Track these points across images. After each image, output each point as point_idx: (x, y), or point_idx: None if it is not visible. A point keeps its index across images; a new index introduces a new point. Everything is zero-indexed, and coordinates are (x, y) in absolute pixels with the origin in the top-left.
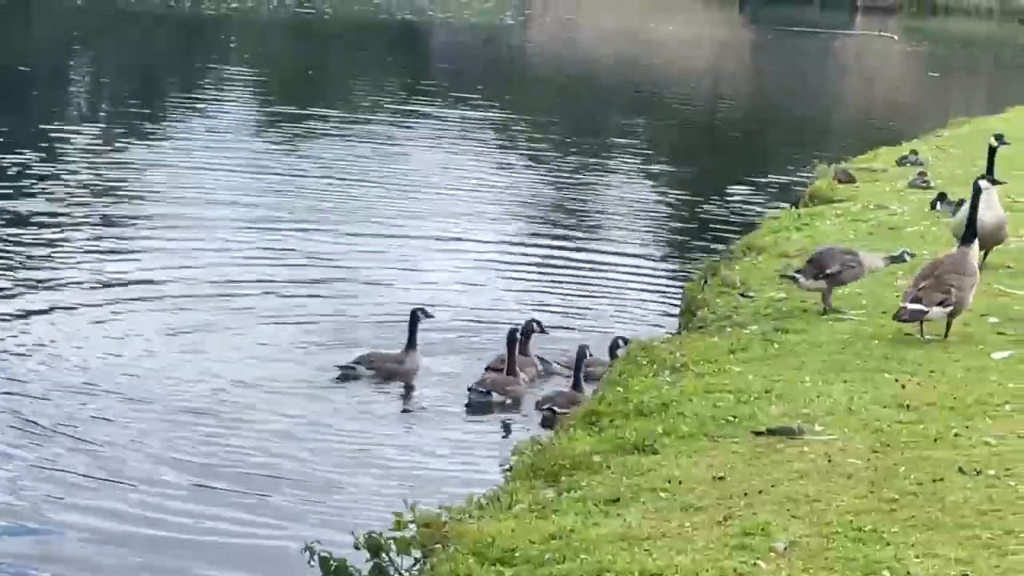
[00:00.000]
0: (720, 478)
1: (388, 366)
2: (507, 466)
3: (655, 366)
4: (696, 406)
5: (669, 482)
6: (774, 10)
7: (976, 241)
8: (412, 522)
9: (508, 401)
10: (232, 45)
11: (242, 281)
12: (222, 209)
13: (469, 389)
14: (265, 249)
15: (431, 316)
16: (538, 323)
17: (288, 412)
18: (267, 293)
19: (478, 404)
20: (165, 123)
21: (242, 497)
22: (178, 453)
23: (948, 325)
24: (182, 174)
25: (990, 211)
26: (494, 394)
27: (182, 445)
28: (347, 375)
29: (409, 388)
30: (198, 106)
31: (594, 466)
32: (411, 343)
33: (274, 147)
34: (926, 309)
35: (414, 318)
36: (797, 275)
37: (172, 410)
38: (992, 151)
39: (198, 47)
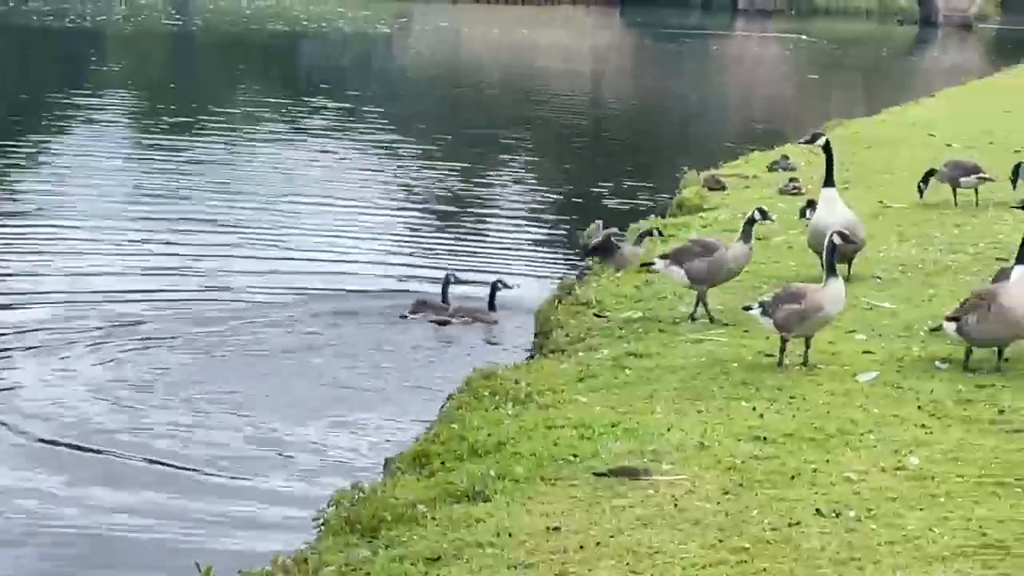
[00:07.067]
0: (555, 528)
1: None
2: (321, 520)
3: (497, 397)
4: (534, 444)
5: (498, 535)
6: (655, 14)
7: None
8: None
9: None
10: (93, 58)
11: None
12: (98, 220)
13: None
14: (151, 266)
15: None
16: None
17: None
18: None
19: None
20: (32, 140)
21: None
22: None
23: None
24: (56, 187)
25: (833, 215)
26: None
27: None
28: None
29: None
30: (68, 122)
31: (417, 518)
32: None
33: (155, 161)
34: None
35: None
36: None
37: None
38: (827, 150)
39: (63, 61)
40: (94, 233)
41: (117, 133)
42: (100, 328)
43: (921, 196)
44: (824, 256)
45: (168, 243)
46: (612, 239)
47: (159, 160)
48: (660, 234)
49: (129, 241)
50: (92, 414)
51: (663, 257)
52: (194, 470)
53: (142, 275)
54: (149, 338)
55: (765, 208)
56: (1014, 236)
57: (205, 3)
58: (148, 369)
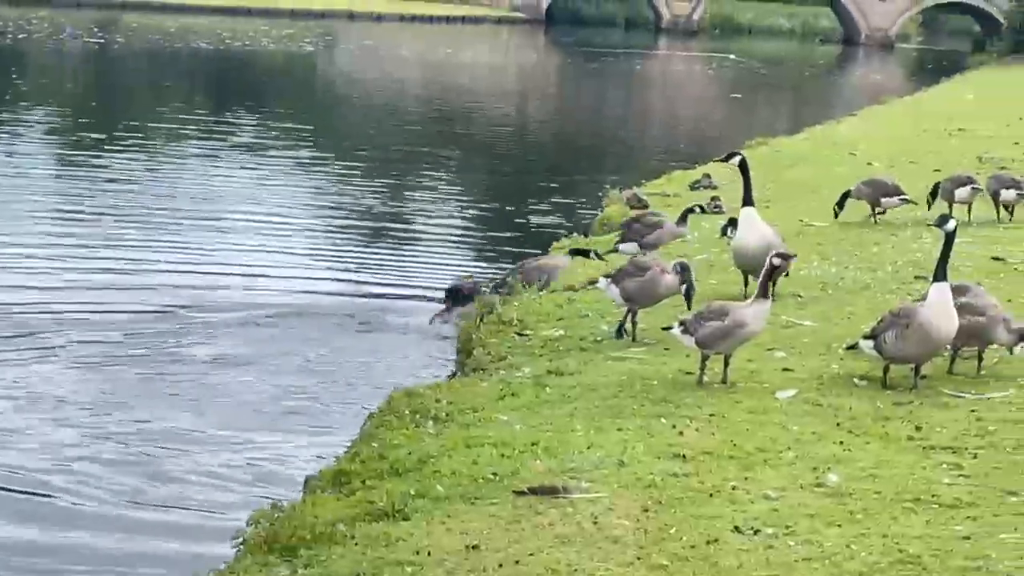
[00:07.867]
0: (474, 547)
1: None
2: (239, 539)
3: (418, 416)
4: (455, 463)
5: (417, 553)
6: (580, 33)
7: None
8: None
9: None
10: (15, 75)
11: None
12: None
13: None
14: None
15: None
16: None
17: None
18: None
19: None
20: None
21: None
22: None
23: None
24: None
25: (754, 233)
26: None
27: None
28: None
29: None
30: None
31: (337, 537)
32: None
33: (75, 176)
34: None
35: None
36: None
37: None
38: (743, 169)
39: None
40: (16, 241)
41: (38, 149)
42: (8, 345)
43: (836, 217)
44: (761, 277)
45: (86, 253)
46: (653, 216)
47: (79, 176)
48: (703, 210)
49: (47, 256)
50: None
51: (606, 276)
52: (108, 489)
53: (55, 290)
54: (57, 355)
55: (689, 265)
56: (932, 254)
57: (129, 21)
58: (58, 386)
